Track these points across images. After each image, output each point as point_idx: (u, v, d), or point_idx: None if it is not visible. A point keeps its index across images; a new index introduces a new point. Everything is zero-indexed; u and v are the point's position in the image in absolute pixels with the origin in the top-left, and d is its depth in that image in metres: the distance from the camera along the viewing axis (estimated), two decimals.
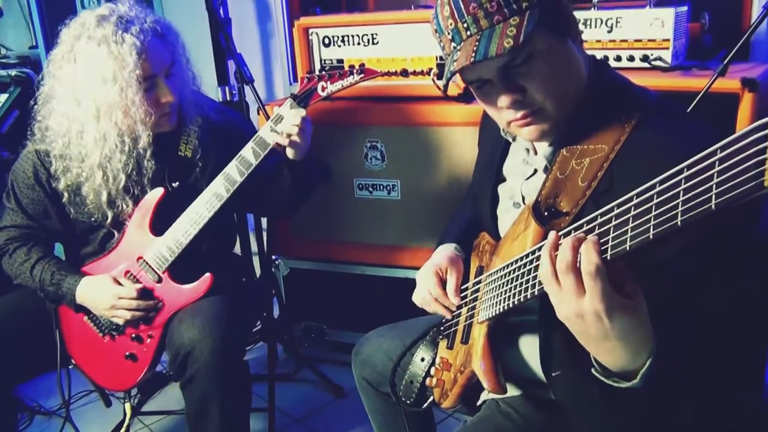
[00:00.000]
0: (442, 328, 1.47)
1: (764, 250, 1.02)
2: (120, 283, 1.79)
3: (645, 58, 2.04)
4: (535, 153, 1.23)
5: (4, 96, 2.51)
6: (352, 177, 2.42)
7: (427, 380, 1.43)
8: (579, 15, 2.13)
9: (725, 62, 1.79)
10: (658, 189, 0.79)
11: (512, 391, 1.34)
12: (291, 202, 1.97)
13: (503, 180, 1.33)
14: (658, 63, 2.02)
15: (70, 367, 1.94)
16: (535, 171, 1.22)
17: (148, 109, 1.71)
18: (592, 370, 0.97)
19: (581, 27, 2.10)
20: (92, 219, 1.83)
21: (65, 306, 1.87)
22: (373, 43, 2.36)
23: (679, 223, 0.74)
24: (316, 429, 2.33)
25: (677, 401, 0.98)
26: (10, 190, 1.89)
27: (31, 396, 2.50)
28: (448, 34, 1.12)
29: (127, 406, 1.97)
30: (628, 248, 0.82)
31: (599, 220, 0.88)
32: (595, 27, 2.11)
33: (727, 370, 1.03)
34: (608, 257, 0.86)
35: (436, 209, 2.30)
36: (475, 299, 1.30)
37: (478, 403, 1.40)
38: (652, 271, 0.93)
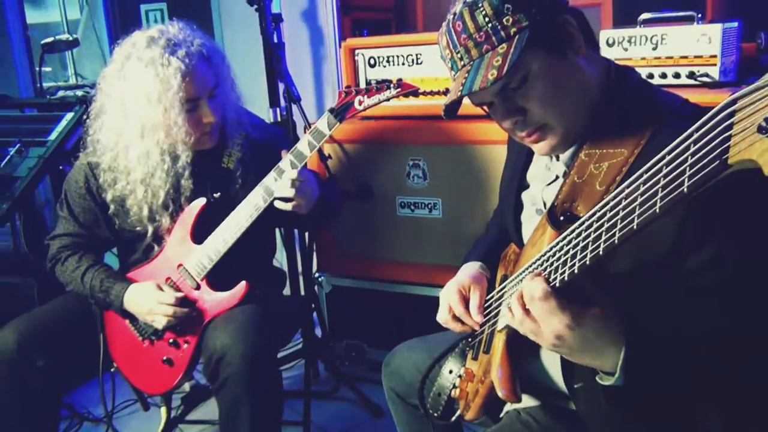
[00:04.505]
0: (470, 339, 1.45)
1: None
2: (162, 290, 1.85)
3: (691, 75, 1.98)
4: (558, 159, 1.22)
5: (70, 114, 2.64)
6: (395, 195, 2.43)
7: (452, 392, 1.41)
8: (623, 33, 2.13)
9: None
10: (643, 178, 0.79)
11: (533, 402, 1.31)
12: (312, 226, 1.97)
13: (527, 186, 1.32)
14: (704, 79, 1.96)
15: (112, 370, 1.99)
16: (557, 177, 1.21)
17: (189, 129, 1.78)
18: (596, 378, 0.99)
19: (625, 45, 2.12)
20: (136, 229, 1.91)
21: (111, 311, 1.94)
22: (417, 63, 2.39)
23: (657, 210, 0.77)
24: None
25: (699, 408, 0.98)
26: (63, 200, 1.99)
27: (82, 403, 2.58)
28: (448, 62, 1.16)
29: (163, 410, 2.01)
30: (616, 241, 0.86)
31: (596, 215, 0.91)
32: (640, 45, 2.08)
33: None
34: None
35: (478, 227, 2.27)
36: (498, 308, 1.29)
37: (501, 414, 1.37)
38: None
